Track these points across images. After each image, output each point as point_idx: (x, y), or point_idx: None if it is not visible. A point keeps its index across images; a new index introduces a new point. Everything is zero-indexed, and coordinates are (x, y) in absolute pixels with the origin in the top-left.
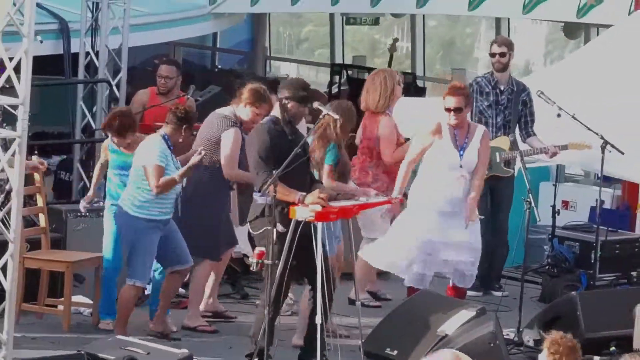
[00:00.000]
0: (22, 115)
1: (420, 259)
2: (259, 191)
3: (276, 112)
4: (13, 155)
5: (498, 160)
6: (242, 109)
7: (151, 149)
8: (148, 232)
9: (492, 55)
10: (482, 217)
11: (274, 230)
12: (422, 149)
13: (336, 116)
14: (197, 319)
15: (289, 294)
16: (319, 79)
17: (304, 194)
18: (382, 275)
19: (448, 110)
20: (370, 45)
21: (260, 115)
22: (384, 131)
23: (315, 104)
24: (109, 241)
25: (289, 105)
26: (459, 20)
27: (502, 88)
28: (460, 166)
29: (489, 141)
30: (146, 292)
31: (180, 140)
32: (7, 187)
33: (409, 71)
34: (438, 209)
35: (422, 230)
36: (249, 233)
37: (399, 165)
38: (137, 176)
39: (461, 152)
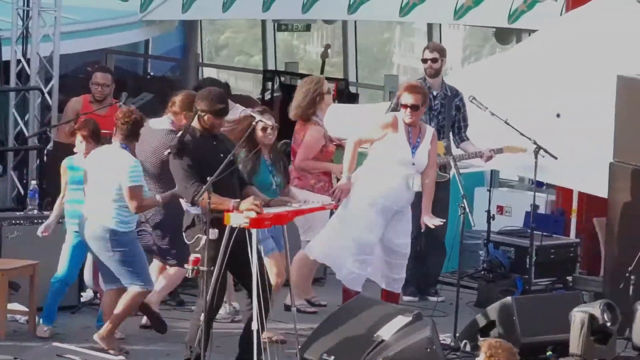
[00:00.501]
0: None
1: (358, 259)
2: (191, 203)
3: (194, 122)
4: None
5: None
6: (182, 119)
7: (126, 166)
8: (136, 241)
9: (424, 60)
10: (444, 220)
11: (205, 237)
12: (370, 139)
13: (270, 122)
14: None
15: (234, 304)
16: (238, 85)
17: (238, 200)
18: (317, 281)
19: (405, 106)
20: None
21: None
22: (308, 138)
23: (248, 111)
24: (67, 256)
25: (205, 118)
26: (378, 27)
27: (435, 93)
28: (413, 164)
29: (437, 143)
30: (82, 299)
31: None
32: None
33: (341, 77)
34: (381, 205)
35: (362, 229)
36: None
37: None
38: (116, 194)
39: (414, 151)
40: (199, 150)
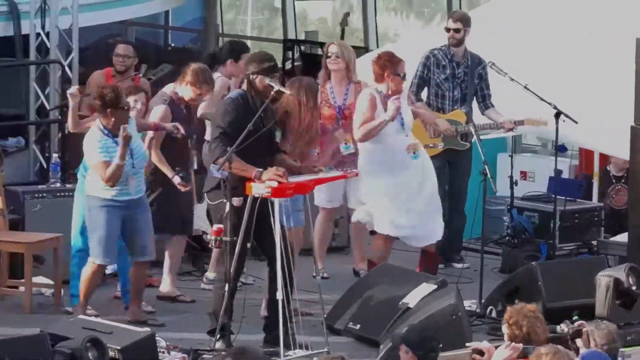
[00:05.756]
0: None
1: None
2: (213, 164)
3: (245, 87)
4: None
5: (455, 133)
6: (183, 88)
7: (91, 146)
8: (101, 211)
9: (447, 30)
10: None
11: (228, 204)
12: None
13: (287, 91)
14: (174, 289)
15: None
16: None
17: (260, 169)
18: (341, 250)
19: (404, 77)
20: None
21: (202, 95)
22: None
23: (267, 80)
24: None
25: (256, 81)
26: None
27: (458, 61)
28: (407, 135)
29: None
30: (107, 271)
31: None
32: None
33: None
34: (392, 178)
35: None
36: (208, 210)
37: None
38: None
39: (401, 119)
40: (244, 116)
